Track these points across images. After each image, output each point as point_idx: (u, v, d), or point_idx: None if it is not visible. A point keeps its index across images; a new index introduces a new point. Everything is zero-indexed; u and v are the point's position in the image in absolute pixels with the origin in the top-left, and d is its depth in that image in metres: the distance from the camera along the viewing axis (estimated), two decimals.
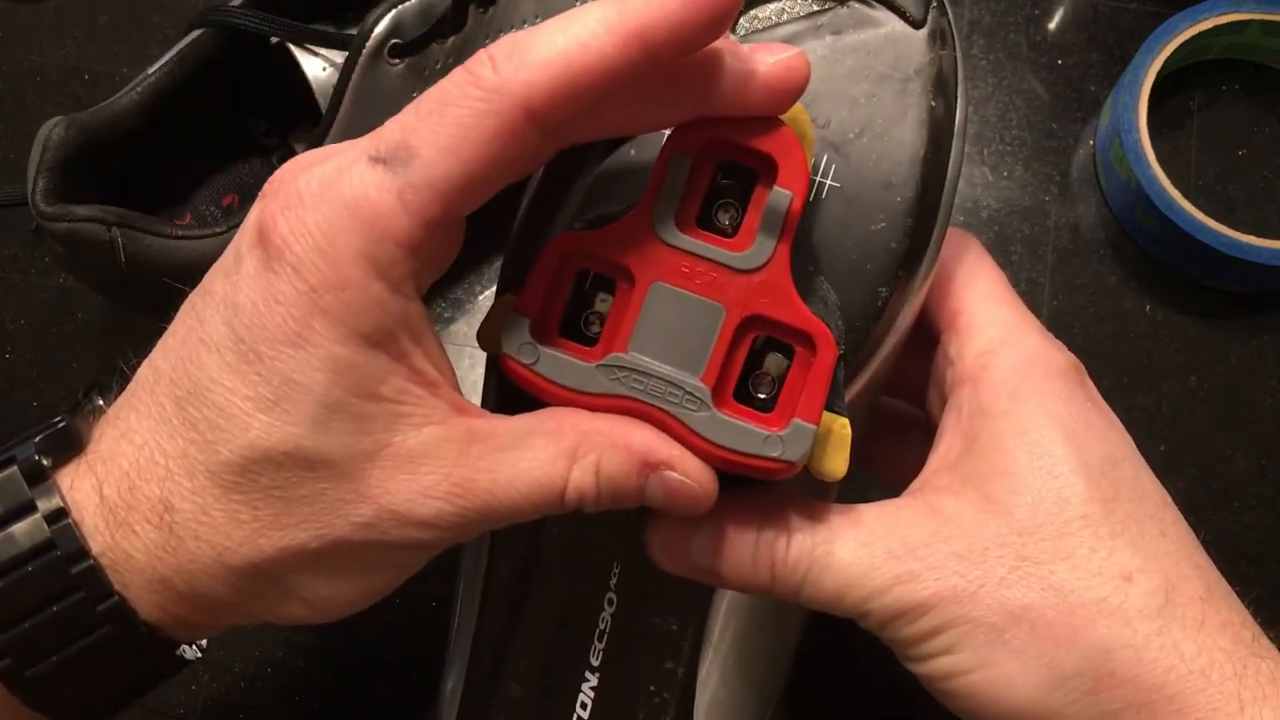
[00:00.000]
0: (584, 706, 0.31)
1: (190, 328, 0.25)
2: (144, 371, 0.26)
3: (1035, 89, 0.49)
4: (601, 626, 0.31)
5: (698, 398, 0.25)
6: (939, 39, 0.28)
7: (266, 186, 0.25)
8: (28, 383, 0.46)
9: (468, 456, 0.25)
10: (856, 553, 0.27)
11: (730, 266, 0.25)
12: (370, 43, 0.40)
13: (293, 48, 0.43)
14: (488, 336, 0.27)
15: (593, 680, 0.31)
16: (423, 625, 0.43)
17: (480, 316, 0.47)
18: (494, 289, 0.48)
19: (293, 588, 0.26)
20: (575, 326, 0.27)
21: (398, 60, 0.40)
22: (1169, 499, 0.28)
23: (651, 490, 0.26)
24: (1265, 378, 0.45)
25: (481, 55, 0.23)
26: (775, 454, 0.25)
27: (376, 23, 0.40)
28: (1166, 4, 0.48)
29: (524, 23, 0.42)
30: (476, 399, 0.46)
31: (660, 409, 0.25)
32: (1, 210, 0.48)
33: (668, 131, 0.26)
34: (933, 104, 0.27)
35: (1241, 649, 0.26)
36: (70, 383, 0.46)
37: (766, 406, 0.26)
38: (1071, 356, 0.30)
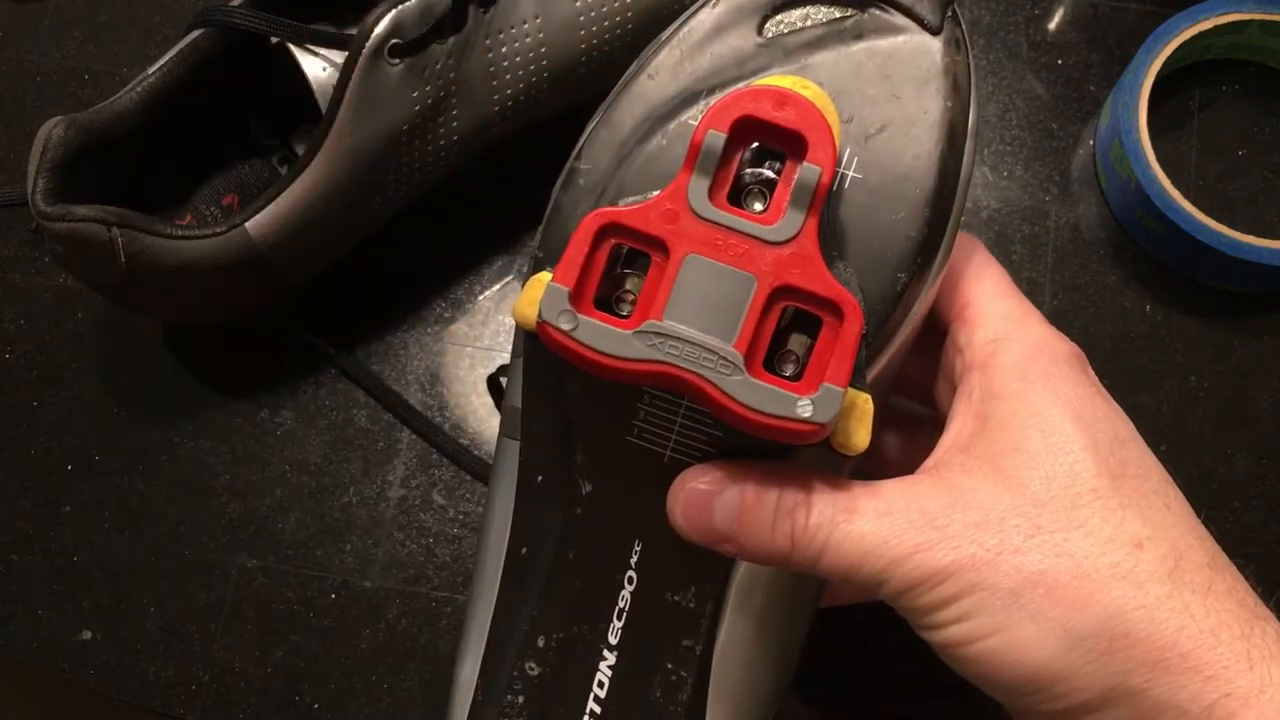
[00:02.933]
0: (600, 685, 0.31)
1: None
2: None
3: (1035, 89, 0.49)
4: (621, 605, 0.31)
5: (731, 363, 0.26)
6: (954, 46, 0.29)
7: None
8: (28, 383, 0.46)
9: None
10: (876, 522, 0.28)
11: (761, 239, 0.26)
12: (370, 43, 0.40)
13: (293, 48, 0.43)
14: (524, 309, 0.27)
15: (610, 659, 0.31)
16: (423, 625, 0.44)
17: (481, 316, 0.47)
18: (494, 289, 0.48)
19: None
20: (607, 306, 0.27)
21: (398, 60, 0.40)
22: (1170, 478, 0.30)
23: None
24: (1265, 378, 0.45)
25: None
26: (806, 415, 0.26)
27: (376, 23, 0.40)
28: (1166, 4, 0.48)
29: (524, 23, 0.42)
30: (477, 398, 0.46)
31: (695, 373, 0.26)
32: (1, 210, 0.48)
33: (699, 118, 0.27)
34: (948, 105, 0.29)
35: (1246, 612, 0.27)
36: (70, 383, 0.46)
37: (794, 379, 0.27)
38: (1075, 345, 0.31)
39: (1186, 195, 0.44)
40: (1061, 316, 0.46)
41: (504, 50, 0.42)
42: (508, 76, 0.43)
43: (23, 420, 0.46)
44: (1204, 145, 0.48)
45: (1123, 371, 0.46)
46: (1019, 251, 0.47)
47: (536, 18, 0.42)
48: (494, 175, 0.47)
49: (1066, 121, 0.49)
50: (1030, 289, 0.46)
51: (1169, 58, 0.46)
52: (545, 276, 0.27)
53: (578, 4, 0.43)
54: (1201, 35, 0.46)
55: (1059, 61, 0.49)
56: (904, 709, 0.42)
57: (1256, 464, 0.44)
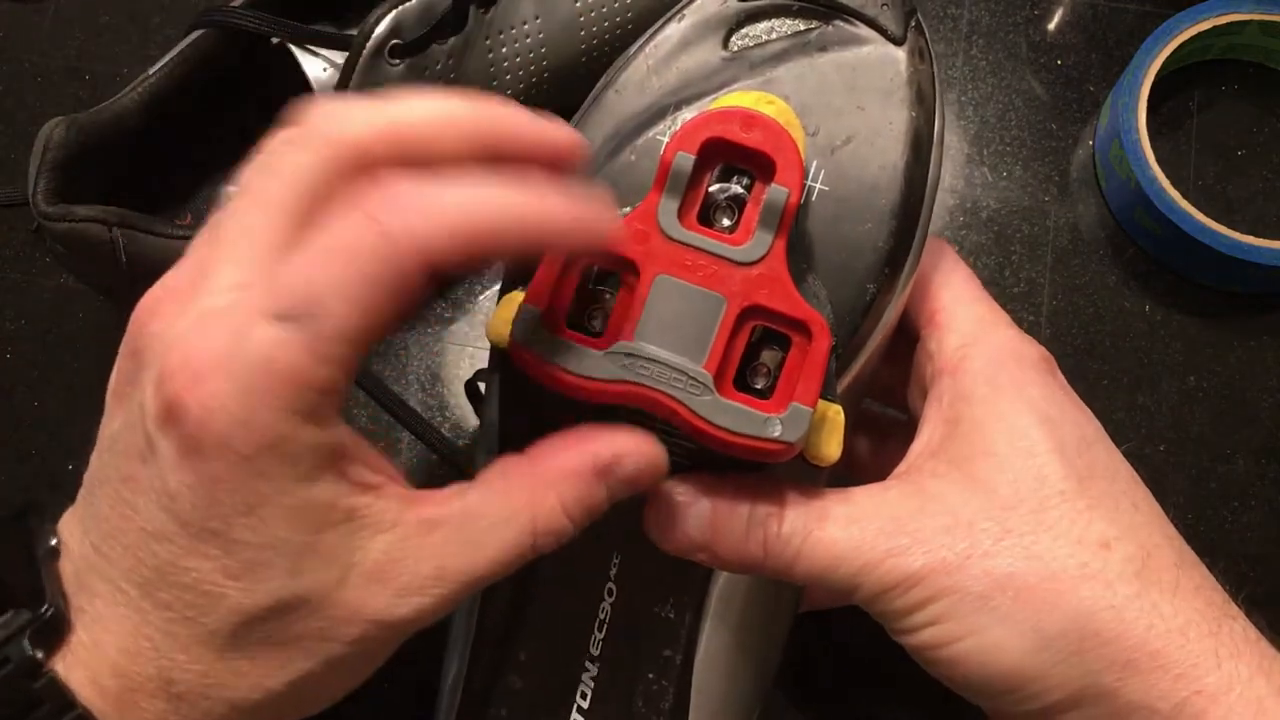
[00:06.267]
0: (584, 696, 0.32)
1: (125, 515, 0.24)
2: (88, 555, 0.25)
3: (1035, 89, 0.49)
4: (601, 617, 0.31)
5: (701, 383, 0.26)
6: (918, 55, 0.29)
7: (141, 344, 0.24)
8: (28, 383, 0.46)
9: (431, 546, 0.25)
10: (848, 529, 0.28)
11: (730, 259, 0.27)
12: (370, 43, 0.40)
13: (293, 48, 0.43)
14: (497, 329, 0.28)
15: (593, 670, 0.32)
16: None
17: (481, 316, 0.47)
18: (494, 289, 0.48)
19: (305, 700, 0.26)
20: (579, 324, 0.28)
21: (398, 61, 0.40)
22: (1138, 479, 0.30)
23: (614, 488, 0.27)
24: (1265, 378, 0.45)
25: (382, 200, 0.24)
26: (775, 435, 0.26)
27: (377, 23, 0.40)
28: (1166, 4, 0.48)
29: (524, 23, 0.42)
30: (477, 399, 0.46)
31: (665, 394, 0.27)
32: (2, 210, 0.48)
33: (668, 134, 0.28)
34: (913, 114, 0.29)
35: (1214, 610, 0.27)
36: (70, 383, 0.46)
37: (764, 395, 0.27)
38: (1042, 349, 0.31)
39: (1186, 195, 0.44)
40: (1061, 316, 0.46)
41: (504, 50, 0.42)
42: (508, 76, 0.43)
43: (23, 420, 0.46)
44: (1203, 145, 0.48)
45: (1122, 371, 0.46)
46: (1019, 251, 0.47)
47: (536, 18, 0.42)
48: None
49: (1066, 122, 0.49)
50: (1030, 289, 0.46)
51: (1168, 58, 0.46)
52: (518, 296, 0.27)
53: (578, 4, 0.43)
54: (1201, 35, 0.46)
55: (1059, 62, 0.49)
56: (885, 711, 0.42)
57: (1256, 464, 0.44)
